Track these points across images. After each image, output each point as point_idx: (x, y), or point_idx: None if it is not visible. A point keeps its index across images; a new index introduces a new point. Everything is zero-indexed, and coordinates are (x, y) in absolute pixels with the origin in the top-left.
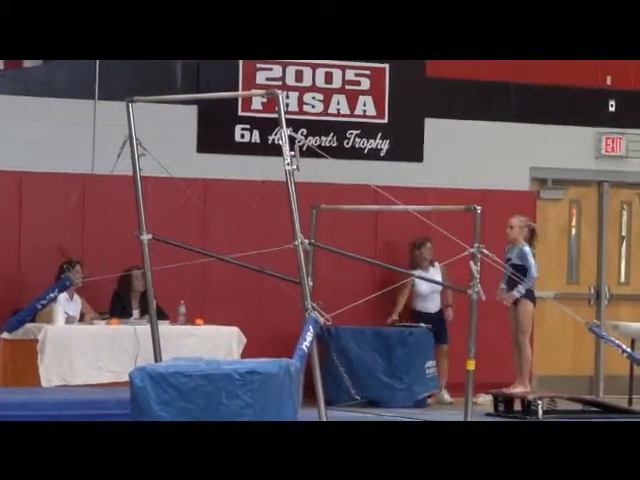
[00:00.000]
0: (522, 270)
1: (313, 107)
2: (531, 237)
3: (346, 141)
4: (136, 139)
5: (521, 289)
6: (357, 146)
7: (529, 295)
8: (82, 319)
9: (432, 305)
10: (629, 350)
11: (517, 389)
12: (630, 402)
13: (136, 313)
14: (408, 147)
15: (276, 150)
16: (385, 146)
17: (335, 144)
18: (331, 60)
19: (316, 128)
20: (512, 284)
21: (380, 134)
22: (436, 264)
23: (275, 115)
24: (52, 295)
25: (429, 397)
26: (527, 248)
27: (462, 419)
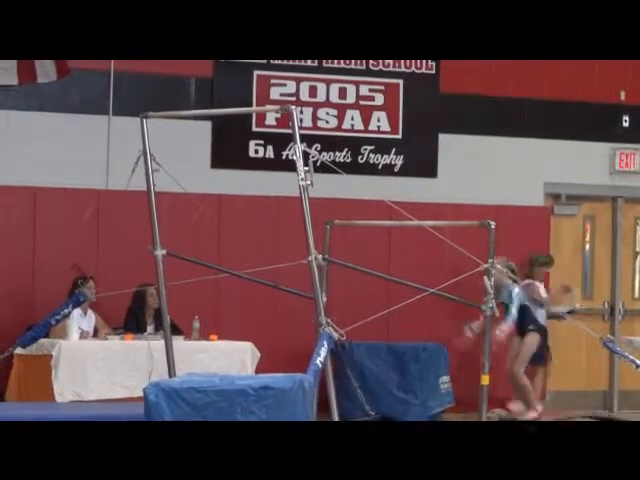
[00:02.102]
0: (523, 308)
1: (327, 122)
2: (513, 275)
3: (360, 156)
4: (150, 155)
5: (504, 327)
6: (371, 161)
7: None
8: (96, 334)
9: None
10: None
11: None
12: None
13: (150, 328)
14: (422, 163)
15: (290, 166)
16: (399, 161)
17: (349, 159)
18: (344, 75)
19: (330, 143)
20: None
21: (394, 150)
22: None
23: (289, 131)
24: (66, 310)
25: (442, 412)
26: (516, 289)
27: None
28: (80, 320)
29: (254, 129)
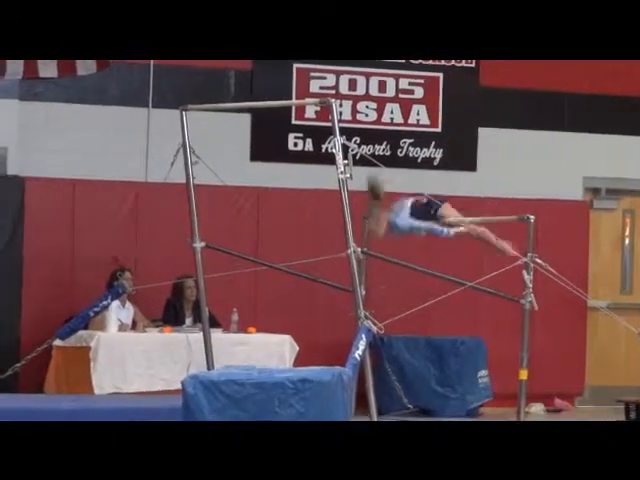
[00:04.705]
0: None
1: (367, 116)
2: None
3: (399, 150)
4: (189, 147)
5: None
6: (410, 155)
7: None
8: (134, 327)
9: None
10: None
11: None
12: None
13: (189, 321)
14: (462, 156)
15: (329, 159)
16: (438, 155)
17: (388, 153)
18: (384, 69)
19: (369, 137)
20: None
21: (433, 143)
22: None
23: (328, 124)
24: (105, 302)
25: (481, 407)
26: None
27: None
28: (119, 312)
29: (293, 122)
